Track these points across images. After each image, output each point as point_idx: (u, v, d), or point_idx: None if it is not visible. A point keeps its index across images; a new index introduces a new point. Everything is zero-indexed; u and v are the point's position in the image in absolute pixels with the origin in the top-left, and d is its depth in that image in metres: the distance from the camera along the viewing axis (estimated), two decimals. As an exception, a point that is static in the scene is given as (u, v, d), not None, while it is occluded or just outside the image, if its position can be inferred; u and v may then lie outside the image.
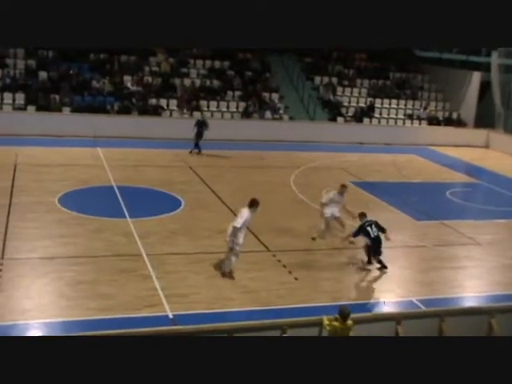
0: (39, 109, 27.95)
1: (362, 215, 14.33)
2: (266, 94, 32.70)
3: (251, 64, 34.42)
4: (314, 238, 15.57)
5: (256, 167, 24.29)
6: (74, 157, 23.56)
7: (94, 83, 30.20)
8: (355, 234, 14.31)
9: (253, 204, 12.88)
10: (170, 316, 11.03)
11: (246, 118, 30.89)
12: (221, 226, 15.62)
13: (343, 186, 15.84)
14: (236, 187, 20.58)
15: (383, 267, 14.06)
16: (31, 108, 27.93)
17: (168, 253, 14.12)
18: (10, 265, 12.80)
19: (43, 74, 29.85)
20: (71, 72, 30.35)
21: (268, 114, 31.57)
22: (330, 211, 15.52)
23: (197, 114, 29.42)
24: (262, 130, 29.84)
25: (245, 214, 12.68)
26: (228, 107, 31.38)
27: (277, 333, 9.47)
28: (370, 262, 14.14)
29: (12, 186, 18.47)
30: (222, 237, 13.60)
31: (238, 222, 12.54)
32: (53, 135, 26.05)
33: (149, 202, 18.46)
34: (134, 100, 29.83)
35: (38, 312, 10.96)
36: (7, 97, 28.11)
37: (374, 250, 13.97)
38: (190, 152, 25.35)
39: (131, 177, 20.90)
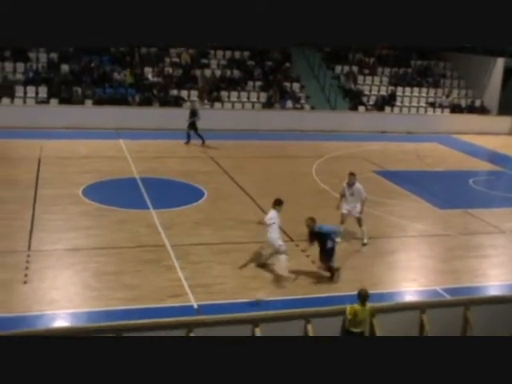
0: (62, 102, 28.21)
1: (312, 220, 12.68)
2: (287, 84, 32.62)
3: (271, 54, 34.34)
4: (364, 244, 14.78)
5: (278, 157, 24.27)
6: (97, 149, 23.76)
7: (115, 75, 30.38)
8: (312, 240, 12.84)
9: (276, 203, 12.80)
10: (195, 306, 11.12)
11: (267, 108, 30.86)
12: (244, 217, 15.72)
13: (351, 175, 14.86)
14: (258, 178, 20.61)
15: (335, 272, 12.76)
16: (54, 101, 28.19)
17: (192, 243, 14.21)
18: (37, 256, 13.00)
19: (65, 67, 30.08)
20: (92, 65, 30.55)
21: (289, 103, 31.50)
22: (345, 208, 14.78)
23: (218, 105, 29.51)
24: (283, 120, 29.80)
25: (270, 213, 12.68)
26: (249, 97, 31.36)
27: (301, 323, 9.50)
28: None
29: (37, 179, 18.70)
30: (246, 227, 13.67)
31: (266, 219, 12.56)
32: (75, 128, 26.27)
33: (171, 193, 18.58)
34: (154, 91, 29.96)
35: (65, 302, 11.13)
36: (30, 90, 28.40)
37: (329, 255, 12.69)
38: (186, 143, 25.18)
39: (153, 168, 21.03)
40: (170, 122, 27.65)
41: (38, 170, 19.81)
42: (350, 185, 14.73)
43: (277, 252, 12.50)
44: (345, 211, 14.75)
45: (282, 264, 12.46)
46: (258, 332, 9.05)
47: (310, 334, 9.31)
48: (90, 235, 14.39)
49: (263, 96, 31.39)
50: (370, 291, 9.83)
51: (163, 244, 14.04)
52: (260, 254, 13.12)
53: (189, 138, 25.08)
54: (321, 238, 12.50)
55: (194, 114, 25.00)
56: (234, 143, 26.03)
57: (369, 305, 9.63)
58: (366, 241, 14.78)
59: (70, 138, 25.14)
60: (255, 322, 9.20)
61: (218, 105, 30.36)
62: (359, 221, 14.79)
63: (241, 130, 27.86)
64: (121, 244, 13.96)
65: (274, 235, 12.45)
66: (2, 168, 19.85)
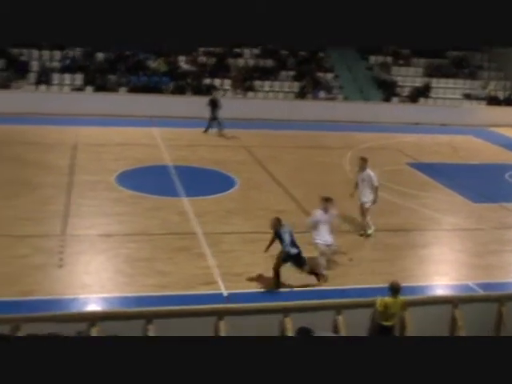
0: (97, 89, 28.52)
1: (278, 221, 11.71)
2: (321, 74, 32.42)
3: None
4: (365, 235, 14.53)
5: (310, 148, 24.18)
6: (131, 136, 23.97)
7: (150, 63, 30.57)
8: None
9: (323, 202, 12.29)
10: (225, 294, 11.17)
11: (299, 98, 30.73)
12: (276, 207, 15.70)
13: (362, 160, 14.43)
14: (290, 168, 20.57)
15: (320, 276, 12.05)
16: (89, 88, 28.51)
17: (223, 232, 14.26)
18: (71, 241, 13.20)
19: (100, 56, 30.36)
20: (127, 53, 30.77)
21: (322, 94, 31.32)
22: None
23: (249, 94, 29.50)
24: (315, 111, 29.65)
25: (314, 213, 12.32)
26: (281, 87, 31.26)
27: (331, 313, 9.48)
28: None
29: (72, 165, 18.95)
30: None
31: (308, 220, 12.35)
32: (110, 115, 26.52)
33: (204, 181, 18.66)
34: (188, 80, 30.06)
35: (97, 287, 11.28)
36: (67, 78, 28.77)
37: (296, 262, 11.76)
38: (205, 131, 24.95)
39: (186, 156, 21.13)
40: (203, 110, 27.70)
41: (74, 156, 20.07)
42: (361, 170, 14.39)
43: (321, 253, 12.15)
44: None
45: (321, 261, 12.21)
46: (288, 322, 9.05)
47: (340, 325, 9.28)
48: (122, 221, 14.54)
49: (296, 86, 31.26)
50: (402, 284, 9.74)
51: (195, 232, 14.12)
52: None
53: (218, 126, 24.96)
54: (282, 242, 11.53)
55: (214, 104, 24.84)
56: (266, 133, 26.00)
57: (401, 298, 9.54)
58: (370, 232, 14.39)
59: (105, 125, 25.39)
60: (285, 312, 9.22)
61: (250, 94, 30.32)
62: (364, 210, 14.37)
63: (273, 120, 27.80)
64: (153, 231, 14.08)
65: (316, 238, 12.01)
66: (39, 154, 20.16)
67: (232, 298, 10.95)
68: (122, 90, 28.87)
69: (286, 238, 11.37)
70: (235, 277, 11.89)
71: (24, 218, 14.24)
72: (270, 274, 11.89)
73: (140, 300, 10.72)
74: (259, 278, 11.90)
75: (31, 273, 11.55)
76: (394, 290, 9.48)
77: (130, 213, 15.17)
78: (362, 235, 14.48)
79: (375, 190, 14.24)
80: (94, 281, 11.52)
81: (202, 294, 11.11)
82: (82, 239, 13.38)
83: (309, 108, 29.85)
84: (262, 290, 11.50)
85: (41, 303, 10.31)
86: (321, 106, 30.28)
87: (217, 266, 12.30)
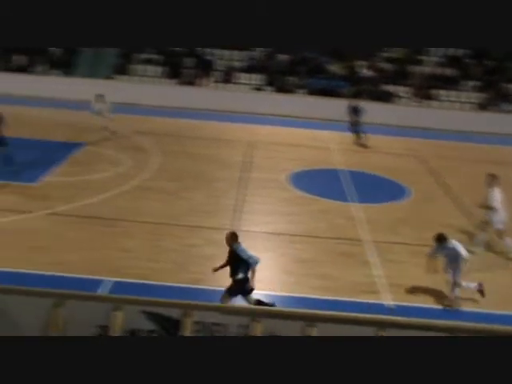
0: (277, 90, 29.27)
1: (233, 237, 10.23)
2: (508, 85, 30.56)
3: (492, 53, 32.37)
4: None
5: (491, 162, 22.87)
6: (305, 138, 24.29)
7: (329, 67, 30.78)
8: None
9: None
10: (388, 305, 10.91)
11: (482, 110, 29.23)
12: (447, 221, 15.09)
13: (492, 177, 13.42)
14: (467, 181, 19.59)
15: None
16: (269, 89, 29.34)
17: (391, 241, 13.95)
18: (243, 236, 13.59)
19: (282, 57, 31.11)
20: (308, 56, 31.23)
21: (507, 106, 29.52)
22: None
23: (429, 103, 28.57)
24: (500, 124, 27.99)
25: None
26: (460, 97, 29.90)
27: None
28: None
29: (246, 162, 19.62)
30: (448, 231, 13.02)
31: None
32: (286, 116, 27.08)
33: (375, 188, 18.38)
34: (366, 85, 29.83)
35: (264, 284, 11.49)
36: (248, 77, 29.85)
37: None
38: (357, 138, 23.88)
39: (357, 161, 20.99)
40: (378, 116, 27.33)
41: (249, 153, 20.77)
42: (489, 187, 13.41)
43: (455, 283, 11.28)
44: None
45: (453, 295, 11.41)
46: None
47: None
48: (291, 221, 14.77)
49: (479, 97, 29.75)
50: None
51: (361, 238, 13.95)
52: None
53: (360, 132, 23.99)
54: (235, 262, 10.02)
55: (356, 111, 24.06)
56: (443, 143, 25.05)
57: None
58: None
59: (281, 125, 25.99)
60: (451, 331, 8.76)
61: (429, 103, 29.40)
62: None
63: (453, 131, 26.71)
64: (319, 233, 14.14)
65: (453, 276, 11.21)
66: (217, 149, 21.13)
67: (396, 310, 10.67)
68: (300, 91, 29.35)
69: (242, 254, 9.90)
70: (400, 288, 11.57)
71: (198, 210, 15.00)
72: (433, 288, 11.42)
73: (302, 301, 10.80)
74: (423, 293, 11.47)
75: (201, 262, 12.11)
76: None
77: (298, 213, 15.37)
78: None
79: (494, 210, 13.19)
80: (262, 277, 11.75)
81: (364, 302, 10.96)
82: (251, 235, 13.75)
83: (492, 121, 28.25)
84: (427, 305, 11.08)
85: (207, 292, 10.77)
86: (507, 120, 28.52)
87: (381, 275, 12.05)
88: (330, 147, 22.81)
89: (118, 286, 9.47)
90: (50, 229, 13.26)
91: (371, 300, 11.08)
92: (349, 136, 24.97)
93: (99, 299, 8.41)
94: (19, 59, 30.53)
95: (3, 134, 16.81)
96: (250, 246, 13.02)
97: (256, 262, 9.83)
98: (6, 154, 16.75)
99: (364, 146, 23.47)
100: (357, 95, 29.11)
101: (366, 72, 30.81)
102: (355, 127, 24.09)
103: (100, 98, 21.29)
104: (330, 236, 14.04)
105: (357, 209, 15.89)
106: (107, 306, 8.07)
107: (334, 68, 30.71)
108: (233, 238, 10.08)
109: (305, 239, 13.77)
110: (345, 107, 24.14)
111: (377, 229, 14.65)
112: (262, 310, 9.40)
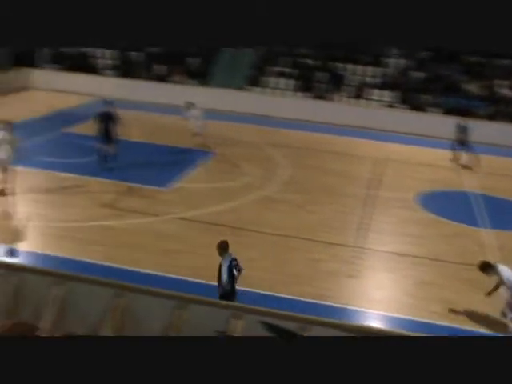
0: (410, 108, 28.77)
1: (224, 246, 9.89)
2: None
3: None
4: None
5: None
6: (435, 158, 23.66)
7: (463, 85, 29.78)
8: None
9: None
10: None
11: None
12: None
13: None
14: None
15: None
16: (402, 106, 28.90)
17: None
18: (364, 253, 13.61)
19: (415, 74, 30.54)
20: (443, 73, 30.41)
21: None
22: None
23: None
24: None
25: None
26: None
27: None
28: None
29: (374, 179, 19.47)
30: None
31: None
32: (420, 134, 26.51)
33: (509, 214, 17.57)
34: (503, 105, 28.55)
35: (383, 304, 11.45)
36: (381, 94, 29.59)
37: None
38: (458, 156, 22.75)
39: (489, 184, 20.15)
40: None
41: (377, 170, 20.60)
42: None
43: None
44: None
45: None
46: None
47: None
48: (416, 243, 14.52)
49: None
50: None
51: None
52: None
53: (459, 150, 22.83)
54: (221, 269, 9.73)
55: (464, 130, 22.86)
56: None
57: None
58: None
59: (413, 144, 25.51)
60: None
61: None
62: None
63: None
64: (445, 257, 13.79)
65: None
66: (346, 164, 21.21)
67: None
68: (434, 110, 28.64)
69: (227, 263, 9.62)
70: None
71: (324, 225, 15.12)
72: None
73: (421, 325, 10.61)
74: None
75: (325, 278, 12.21)
76: None
77: (424, 235, 15.07)
78: None
79: None
80: (381, 297, 11.72)
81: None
82: (374, 254, 13.70)
83: None
84: None
85: (330, 309, 10.85)
86: None
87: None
88: (460, 169, 22.06)
89: (240, 295, 9.75)
90: (179, 233, 13.91)
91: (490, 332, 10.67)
92: (482, 158, 24.04)
93: (220, 306, 8.67)
94: (159, 69, 32.20)
95: (116, 134, 18.21)
96: (374, 265, 13.13)
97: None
98: (114, 153, 18.16)
99: (467, 166, 22.55)
100: (493, 116, 28.01)
101: (507, 92, 29.46)
102: (461, 146, 23.22)
103: (191, 105, 21.72)
104: (456, 261, 13.64)
105: (488, 234, 15.30)
106: (228, 312, 8.33)
107: (471, 87, 29.65)
108: (221, 248, 9.81)
109: (429, 262, 13.53)
110: (456, 125, 23.23)
111: (510, 258, 14.01)
112: (377, 332, 9.31)
